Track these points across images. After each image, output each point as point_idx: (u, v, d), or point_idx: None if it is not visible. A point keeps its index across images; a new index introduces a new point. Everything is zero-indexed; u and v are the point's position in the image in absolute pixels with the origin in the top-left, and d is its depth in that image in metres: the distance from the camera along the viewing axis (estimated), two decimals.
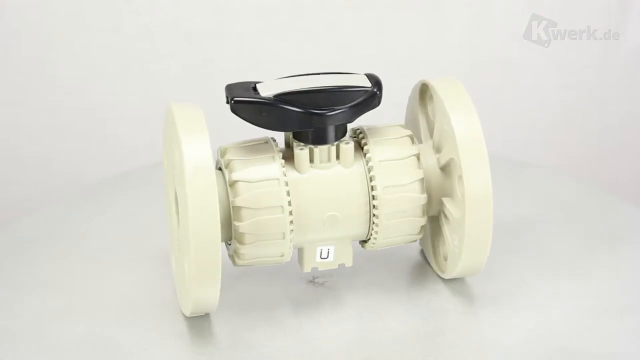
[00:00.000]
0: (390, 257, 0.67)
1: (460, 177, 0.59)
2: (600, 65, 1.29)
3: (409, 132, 0.62)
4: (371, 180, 0.59)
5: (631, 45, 1.28)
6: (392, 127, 0.62)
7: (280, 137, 0.61)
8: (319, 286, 0.64)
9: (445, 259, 0.64)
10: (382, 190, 0.59)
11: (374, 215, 0.59)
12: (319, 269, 0.61)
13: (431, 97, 0.63)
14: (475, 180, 0.58)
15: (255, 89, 0.57)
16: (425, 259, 0.68)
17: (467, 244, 0.59)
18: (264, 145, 0.58)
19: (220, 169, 0.58)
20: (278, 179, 0.56)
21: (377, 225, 0.59)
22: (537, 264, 0.68)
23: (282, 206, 0.56)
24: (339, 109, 0.57)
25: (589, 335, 0.60)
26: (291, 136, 0.59)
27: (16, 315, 0.62)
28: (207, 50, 1.22)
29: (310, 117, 0.56)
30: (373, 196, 0.59)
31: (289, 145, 0.60)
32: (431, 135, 0.64)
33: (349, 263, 0.61)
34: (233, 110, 0.56)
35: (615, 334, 0.61)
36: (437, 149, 0.62)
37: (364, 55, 1.21)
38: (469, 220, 0.58)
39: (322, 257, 0.60)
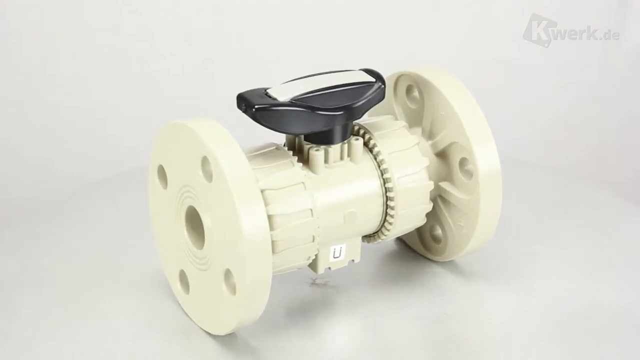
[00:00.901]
0: (369, 247, 0.67)
1: (465, 159, 0.61)
2: (600, 65, 1.29)
3: (403, 122, 0.63)
4: (384, 173, 0.60)
5: (631, 45, 1.28)
6: (386, 120, 0.63)
7: (275, 140, 0.60)
8: (323, 287, 0.64)
9: (439, 242, 0.65)
10: (397, 181, 0.60)
11: (389, 207, 0.60)
12: (332, 269, 0.61)
13: (410, 87, 0.64)
14: (486, 159, 0.60)
15: (268, 94, 0.56)
16: (404, 245, 0.69)
17: (480, 222, 0.61)
18: (276, 152, 0.58)
19: None
20: (303, 182, 0.57)
21: (392, 217, 0.60)
22: (521, 242, 0.70)
23: (311, 209, 0.56)
24: (356, 105, 0.58)
25: (597, 294, 0.64)
26: (301, 139, 0.59)
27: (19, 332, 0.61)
28: (207, 50, 1.23)
29: (333, 116, 0.57)
30: (388, 188, 0.60)
31: (294, 148, 0.60)
32: (411, 124, 0.65)
33: (357, 259, 0.62)
34: (255, 118, 0.55)
35: (620, 288, 0.65)
36: (430, 136, 0.63)
37: (364, 55, 1.21)
38: (483, 198, 0.60)
39: (335, 256, 0.61)
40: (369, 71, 0.60)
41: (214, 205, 0.53)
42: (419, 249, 0.68)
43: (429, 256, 0.67)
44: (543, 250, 0.69)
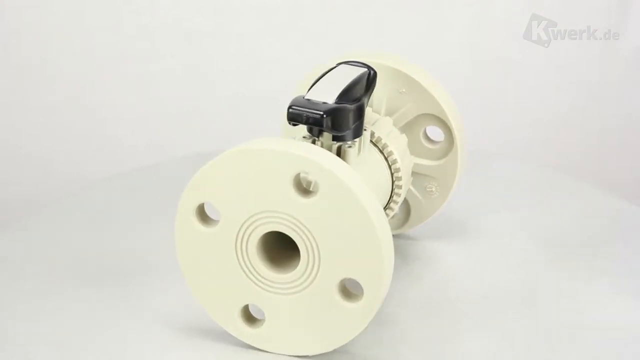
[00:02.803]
0: None
1: (425, 130, 0.66)
2: (600, 65, 1.29)
3: (370, 107, 0.65)
4: (389, 156, 0.62)
5: (631, 45, 1.28)
6: None
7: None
8: None
9: (390, 217, 0.68)
10: (400, 159, 0.62)
11: (397, 186, 0.62)
12: None
13: None
14: (457, 120, 0.64)
15: (314, 101, 0.55)
16: None
17: (456, 182, 0.65)
18: None
19: None
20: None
21: (399, 196, 0.62)
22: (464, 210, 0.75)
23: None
24: (372, 93, 0.59)
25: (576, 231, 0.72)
26: (328, 138, 0.58)
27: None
28: (207, 50, 1.23)
29: (364, 107, 0.58)
30: (395, 169, 0.62)
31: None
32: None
33: None
34: (321, 124, 0.54)
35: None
36: (387, 114, 0.65)
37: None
38: (460, 157, 0.65)
39: None
40: (351, 62, 0.61)
41: (322, 219, 0.52)
42: None
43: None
44: (486, 216, 0.74)
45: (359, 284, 0.52)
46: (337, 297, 0.53)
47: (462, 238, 0.70)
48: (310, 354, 0.56)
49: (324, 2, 1.22)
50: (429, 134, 0.66)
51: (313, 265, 0.53)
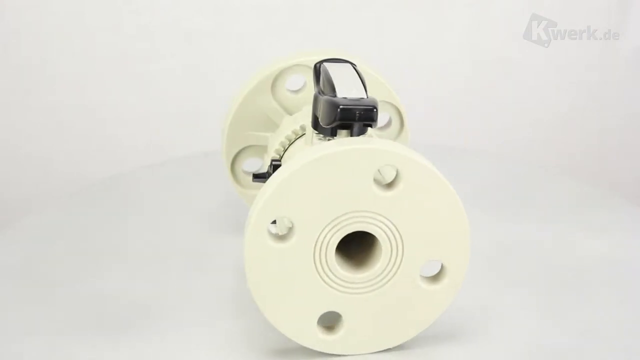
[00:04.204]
0: None
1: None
2: (600, 65, 1.29)
3: None
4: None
5: (631, 45, 1.28)
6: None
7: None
8: None
9: None
10: None
11: None
12: None
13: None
14: (400, 101, 0.68)
15: (351, 98, 0.55)
16: None
17: None
18: None
19: None
20: None
21: None
22: None
23: None
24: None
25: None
26: (346, 134, 0.57)
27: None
28: (207, 50, 1.23)
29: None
30: None
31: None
32: (293, 111, 0.68)
33: None
34: (372, 118, 0.53)
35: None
36: None
37: (364, 55, 1.21)
38: (409, 137, 0.70)
39: None
40: (330, 60, 0.61)
41: (406, 209, 0.52)
42: None
43: None
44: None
45: (436, 265, 0.53)
46: (421, 283, 0.54)
47: None
48: (393, 345, 0.56)
49: (324, 2, 1.22)
50: None
51: (396, 257, 0.53)
